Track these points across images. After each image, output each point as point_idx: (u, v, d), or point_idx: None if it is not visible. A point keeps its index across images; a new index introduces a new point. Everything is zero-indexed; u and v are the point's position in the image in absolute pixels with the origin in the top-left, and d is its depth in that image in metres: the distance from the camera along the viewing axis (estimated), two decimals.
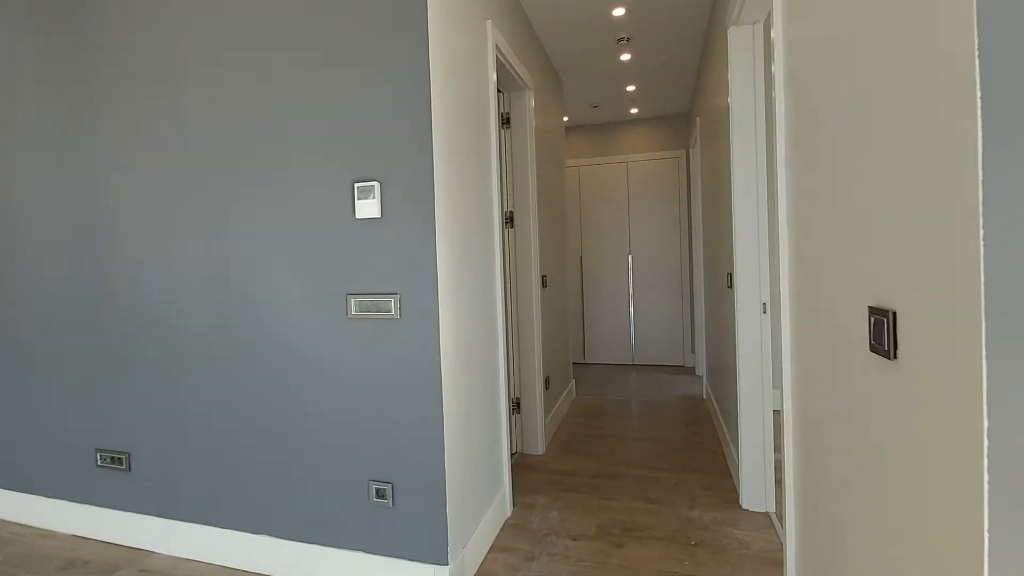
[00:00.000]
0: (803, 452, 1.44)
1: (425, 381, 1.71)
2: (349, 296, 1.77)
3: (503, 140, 3.05)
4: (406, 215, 1.71)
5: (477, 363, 2.04)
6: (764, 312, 2.26)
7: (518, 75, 2.81)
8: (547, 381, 3.34)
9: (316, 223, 1.80)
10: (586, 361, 5.59)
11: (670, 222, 5.30)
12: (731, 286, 2.56)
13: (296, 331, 1.84)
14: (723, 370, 3.09)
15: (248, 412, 1.91)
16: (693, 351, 5.21)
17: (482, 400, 2.09)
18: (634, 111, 5.09)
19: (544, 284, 3.31)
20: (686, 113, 5.24)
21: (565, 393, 3.89)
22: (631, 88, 4.42)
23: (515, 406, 3.09)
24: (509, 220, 3.07)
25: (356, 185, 1.74)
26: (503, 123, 3.05)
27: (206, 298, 1.95)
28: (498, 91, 3.04)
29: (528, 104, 3.03)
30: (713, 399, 3.62)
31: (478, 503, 1.99)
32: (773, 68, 1.56)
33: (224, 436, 1.95)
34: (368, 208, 1.73)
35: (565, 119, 5.26)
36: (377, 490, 1.76)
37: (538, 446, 3.06)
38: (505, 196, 3.06)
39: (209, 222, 1.93)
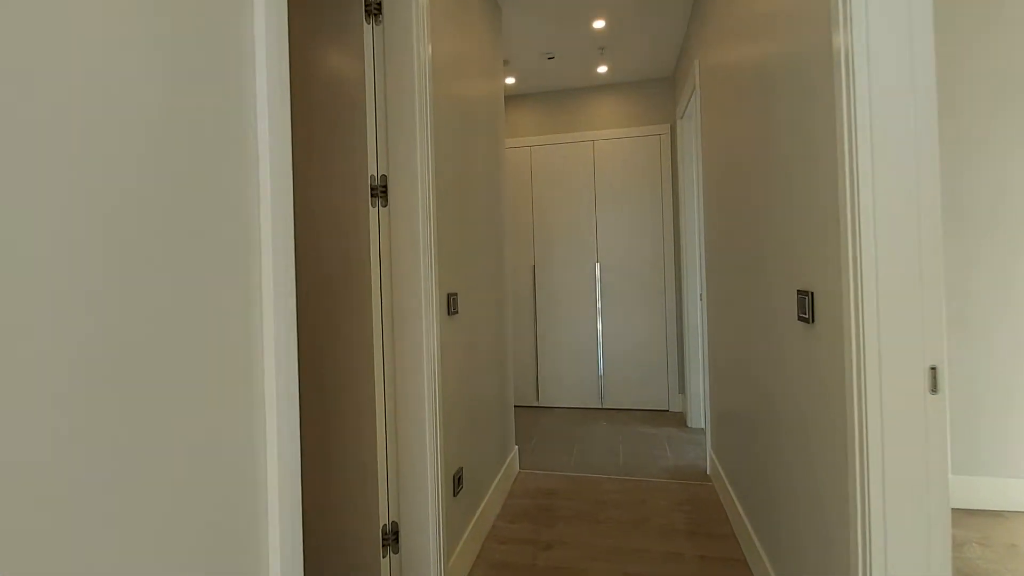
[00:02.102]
0: None
1: None
2: None
3: (372, 41, 1.66)
4: None
5: None
6: (934, 391, 0.92)
7: None
8: (458, 477, 1.92)
9: None
10: (540, 404, 4.20)
11: (650, 219, 4.01)
12: (812, 317, 1.22)
13: None
14: (767, 443, 1.74)
15: None
16: (682, 391, 3.90)
17: None
18: (602, 70, 3.80)
19: (452, 308, 1.91)
20: (669, 77, 3.98)
21: (500, 475, 2.48)
22: (599, 24, 3.11)
23: (390, 538, 1.66)
24: (381, 192, 1.66)
25: None
26: (368, 10, 1.65)
27: None
28: None
29: None
30: (728, 482, 2.28)
31: None
32: None
33: None
34: None
35: (510, 80, 3.92)
36: None
37: None
38: (376, 147, 1.66)
39: None
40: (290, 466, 0.90)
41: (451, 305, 1.89)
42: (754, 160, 1.75)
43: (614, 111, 4.08)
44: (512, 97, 4.24)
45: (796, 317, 1.33)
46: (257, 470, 0.84)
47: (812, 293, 1.22)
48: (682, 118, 3.53)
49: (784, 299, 1.43)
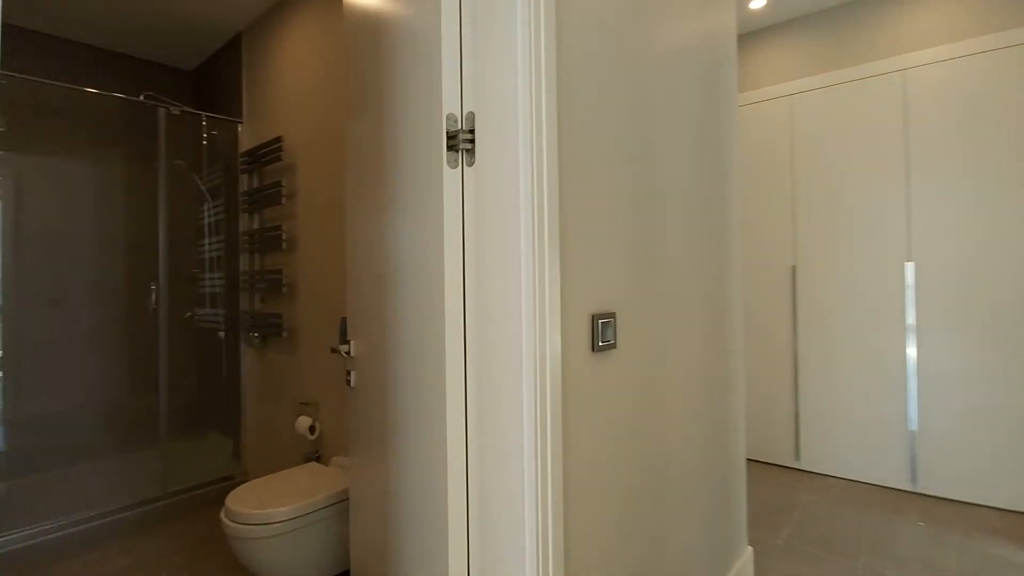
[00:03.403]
0: None
1: None
2: None
3: None
4: None
5: None
6: None
7: None
8: None
9: None
10: (801, 467, 2.91)
11: (1020, 189, 2.33)
12: None
13: None
14: None
15: None
16: None
17: None
18: None
19: (603, 338, 1.10)
20: None
21: None
22: None
23: None
24: (466, 142, 0.99)
25: None
26: None
27: None
28: None
29: None
30: None
31: None
32: None
33: None
34: None
35: (756, 4, 2.78)
36: None
37: None
38: (461, 69, 1.00)
39: None
40: None
41: (599, 334, 1.09)
42: None
43: (942, 17, 2.52)
44: (757, 32, 3.06)
45: None
46: None
47: None
48: None
49: None
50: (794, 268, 2.94)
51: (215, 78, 2.98)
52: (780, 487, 2.69)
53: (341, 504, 1.79)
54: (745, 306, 3.12)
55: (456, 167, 0.99)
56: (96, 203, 2.76)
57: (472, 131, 0.99)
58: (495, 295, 0.96)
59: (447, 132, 0.99)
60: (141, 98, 2.46)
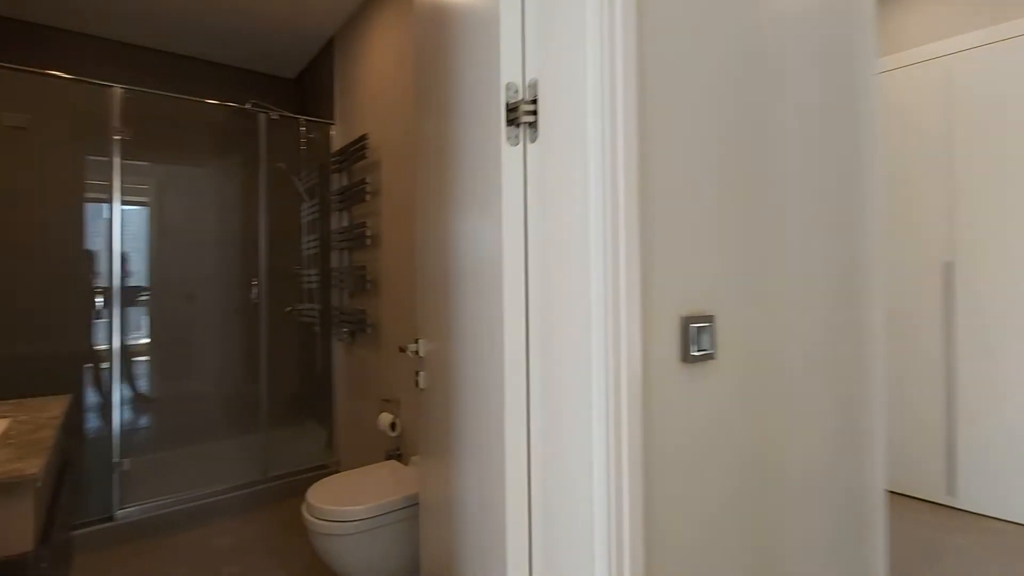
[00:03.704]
0: None
1: None
2: None
3: None
4: None
5: None
6: None
7: None
8: None
9: None
10: (955, 505, 2.39)
11: None
12: None
13: None
14: None
15: None
16: None
17: None
18: None
19: (696, 346, 0.90)
20: None
21: None
22: None
23: None
24: (528, 114, 0.85)
25: None
26: None
27: None
28: None
29: None
30: None
31: None
32: None
33: None
34: None
35: None
36: None
37: None
38: (522, 31, 0.86)
39: None
40: None
41: (693, 340, 0.90)
42: None
43: None
44: None
45: None
46: None
47: None
48: None
49: None
50: (950, 264, 2.42)
51: (312, 84, 3.12)
52: (928, 528, 2.23)
53: (415, 507, 1.73)
54: (887, 310, 2.64)
55: (517, 144, 0.86)
56: (213, 205, 3.00)
57: (535, 101, 0.85)
58: (562, 293, 0.81)
59: (507, 104, 0.85)
60: (248, 106, 2.61)
